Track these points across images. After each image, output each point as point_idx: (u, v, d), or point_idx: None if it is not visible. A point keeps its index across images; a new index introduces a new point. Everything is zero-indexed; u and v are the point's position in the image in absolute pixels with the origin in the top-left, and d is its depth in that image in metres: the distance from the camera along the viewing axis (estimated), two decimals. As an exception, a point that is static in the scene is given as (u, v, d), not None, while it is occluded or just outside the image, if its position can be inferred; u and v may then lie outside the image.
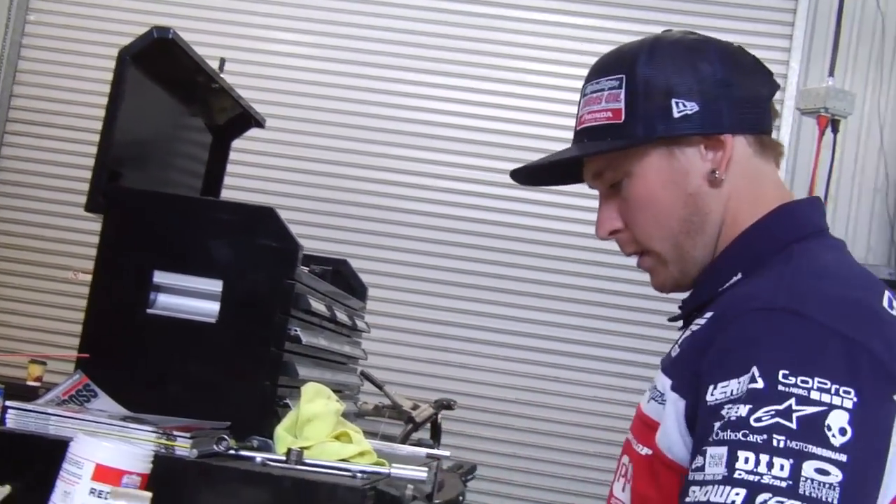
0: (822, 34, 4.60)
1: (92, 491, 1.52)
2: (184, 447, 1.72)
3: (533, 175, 1.50)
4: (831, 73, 4.15)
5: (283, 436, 1.94)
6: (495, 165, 4.65)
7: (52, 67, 5.02)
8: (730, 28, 4.67)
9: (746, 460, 1.05)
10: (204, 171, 2.81)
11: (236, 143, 2.92)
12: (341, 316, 2.46)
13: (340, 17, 4.90)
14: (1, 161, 5.01)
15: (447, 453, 2.64)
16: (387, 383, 3.81)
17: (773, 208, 1.34)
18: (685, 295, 1.40)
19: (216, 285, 2.06)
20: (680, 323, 1.41)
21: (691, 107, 1.30)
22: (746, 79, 1.34)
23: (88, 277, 2.11)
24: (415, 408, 3.80)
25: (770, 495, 1.03)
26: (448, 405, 3.99)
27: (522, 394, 4.72)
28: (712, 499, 1.06)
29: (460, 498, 3.28)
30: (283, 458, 1.81)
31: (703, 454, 1.10)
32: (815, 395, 1.07)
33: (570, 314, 4.72)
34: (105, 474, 1.53)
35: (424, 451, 2.53)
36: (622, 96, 1.33)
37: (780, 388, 1.08)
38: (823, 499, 1.03)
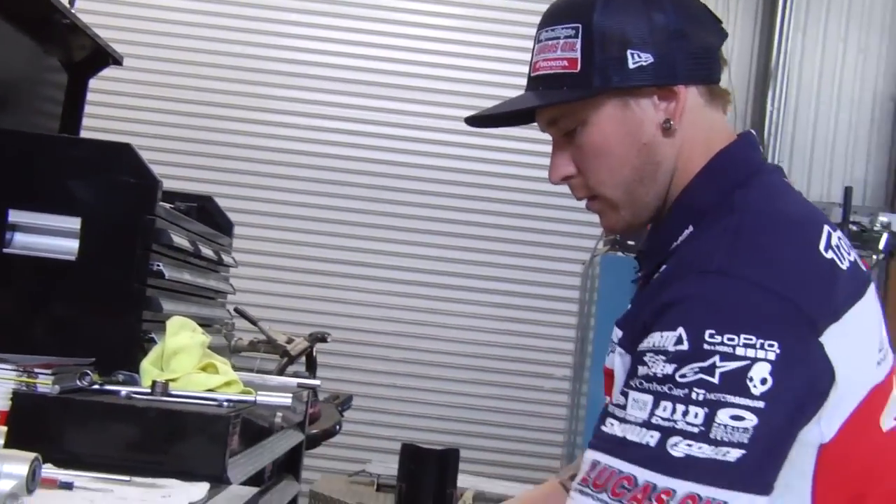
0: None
1: (-51, 429, 1.48)
2: (45, 384, 1.67)
3: (486, 118, 1.46)
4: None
5: (149, 369, 1.90)
6: (363, 103, 4.63)
7: None
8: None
9: (665, 409, 1.11)
10: (60, 111, 2.72)
11: (96, 83, 2.83)
12: (206, 251, 2.42)
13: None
14: None
15: (318, 382, 2.64)
16: (261, 319, 3.79)
17: (716, 154, 1.35)
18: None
19: (74, 223, 2.01)
20: None
21: (646, 58, 1.29)
22: (699, 28, 1.33)
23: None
24: (289, 341, 3.79)
25: (681, 438, 1.09)
26: (322, 338, 3.99)
27: (397, 325, 4.76)
28: (628, 437, 1.13)
29: (337, 427, 3.30)
30: (149, 390, 1.78)
31: (626, 395, 1.16)
32: (739, 351, 1.11)
33: (444, 247, 4.77)
34: (-40, 413, 1.49)
35: (296, 381, 2.52)
36: (578, 46, 1.31)
37: (706, 346, 1.12)
38: (734, 440, 1.09)
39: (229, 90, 4.70)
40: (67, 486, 1.44)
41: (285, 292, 4.69)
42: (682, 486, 1.08)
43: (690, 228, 1.32)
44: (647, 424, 1.12)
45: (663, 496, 1.08)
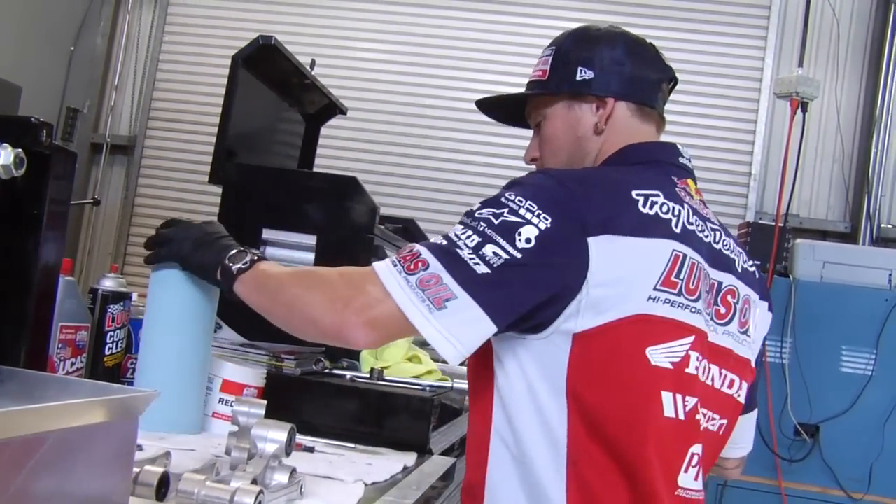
0: (791, 34, 4.57)
1: (220, 400, 1.51)
2: (289, 367, 1.70)
3: (496, 112, 1.59)
4: (800, 64, 4.07)
5: (367, 358, 1.91)
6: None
7: (180, 76, 5.04)
8: (714, 31, 4.57)
9: (457, 230, 1.20)
10: (299, 151, 2.78)
11: (324, 129, 2.88)
12: (410, 263, 2.42)
13: (407, 28, 4.84)
14: (145, 150, 5.06)
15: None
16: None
17: (627, 144, 1.39)
18: None
19: (311, 239, 2.04)
20: None
21: (590, 75, 1.40)
22: (639, 63, 1.41)
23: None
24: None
25: (453, 246, 1.16)
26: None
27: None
28: (432, 240, 1.21)
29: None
30: (368, 375, 1.78)
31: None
32: (522, 212, 1.17)
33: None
34: (230, 387, 1.51)
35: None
36: (549, 62, 1.44)
37: (503, 199, 1.20)
38: (488, 261, 1.14)
39: (427, 134, 4.73)
40: (310, 449, 1.44)
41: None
42: (435, 266, 1.14)
43: None
44: (445, 237, 1.19)
45: (420, 265, 1.15)
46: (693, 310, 1.25)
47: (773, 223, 3.70)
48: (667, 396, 1.22)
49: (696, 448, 1.28)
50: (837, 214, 4.54)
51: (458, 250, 1.15)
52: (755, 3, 4.61)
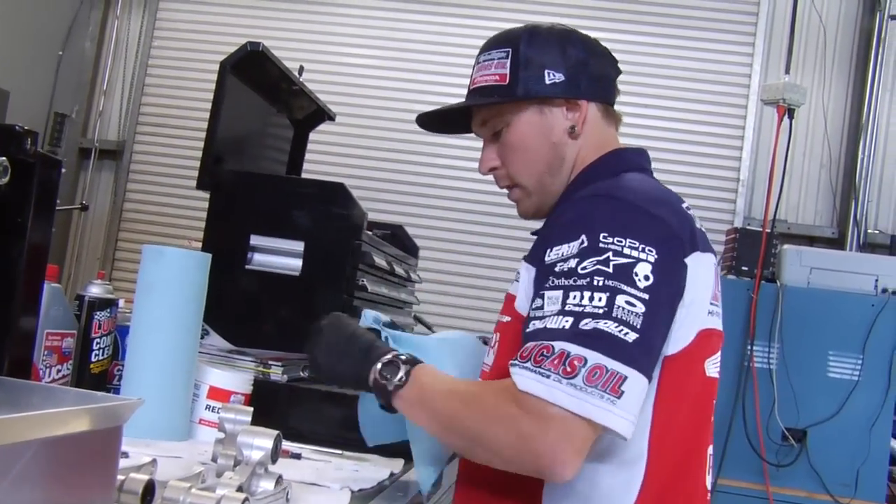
0: (778, 41, 4.59)
1: (207, 407, 1.51)
2: (277, 373, 1.69)
3: (433, 122, 1.51)
4: (787, 71, 4.09)
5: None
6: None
7: (169, 81, 5.04)
8: (702, 37, 4.60)
9: (574, 297, 1.10)
10: (287, 157, 2.78)
11: (312, 135, 2.88)
12: (399, 269, 2.42)
13: (395, 34, 4.85)
14: (133, 155, 5.05)
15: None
16: (435, 325, 3.77)
17: (609, 150, 1.37)
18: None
19: (299, 245, 2.04)
20: None
21: (559, 77, 1.33)
22: (599, 60, 1.37)
23: (200, 244, 2.09)
24: (457, 342, 3.76)
25: (590, 319, 1.08)
26: (486, 341, 3.95)
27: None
28: (548, 325, 1.10)
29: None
30: (355, 381, 1.77)
31: (542, 297, 1.14)
32: (627, 251, 1.12)
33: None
34: (217, 394, 1.51)
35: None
36: (507, 65, 1.35)
37: (601, 245, 1.12)
38: (630, 322, 1.08)
39: (415, 140, 4.72)
40: (296, 456, 1.44)
41: (454, 303, 4.68)
42: (593, 357, 1.06)
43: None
44: (561, 313, 1.10)
45: (575, 362, 1.06)
46: (720, 315, 1.29)
47: (761, 229, 3.71)
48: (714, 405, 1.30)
49: (710, 449, 1.33)
50: (825, 220, 4.57)
51: (597, 323, 1.07)
52: (743, 9, 4.64)
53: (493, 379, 1.24)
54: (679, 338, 1.18)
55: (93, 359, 1.57)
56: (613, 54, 1.41)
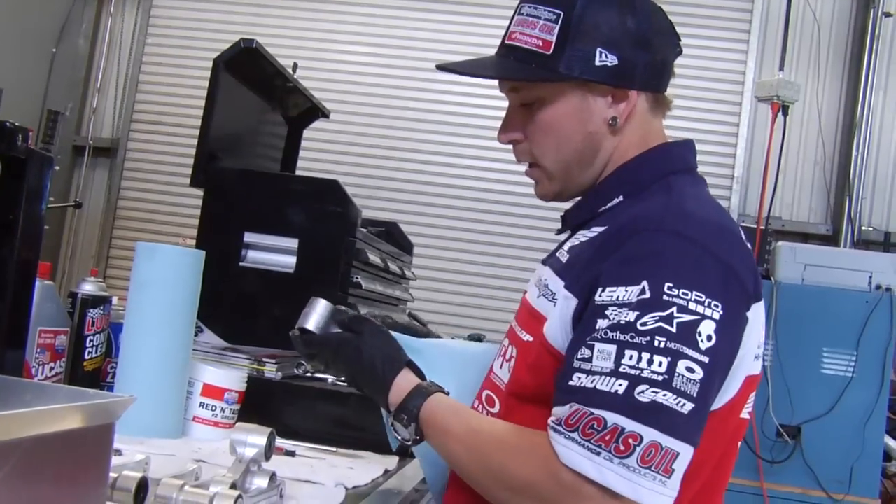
0: (773, 38, 4.60)
1: (201, 404, 1.50)
2: (271, 371, 1.69)
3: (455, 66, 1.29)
4: (781, 68, 4.10)
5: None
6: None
7: (163, 78, 5.03)
8: (697, 34, 4.59)
9: (631, 357, 0.98)
10: (281, 154, 2.77)
11: (306, 132, 2.88)
12: (393, 267, 2.42)
13: (389, 31, 4.84)
14: (127, 152, 5.04)
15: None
16: (430, 322, 3.77)
17: (654, 146, 1.23)
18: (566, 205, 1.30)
19: (293, 243, 2.04)
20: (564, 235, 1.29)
21: (611, 59, 1.16)
22: (662, 41, 1.21)
23: (194, 242, 2.08)
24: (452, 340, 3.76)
25: (647, 387, 0.97)
26: (479, 338, 3.95)
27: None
28: (598, 386, 0.98)
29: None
30: (349, 378, 1.77)
31: (591, 348, 1.01)
32: (692, 306, 1.00)
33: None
34: (211, 391, 1.51)
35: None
36: (555, 31, 1.16)
37: (665, 297, 1.00)
38: (688, 392, 0.97)
39: (409, 137, 4.73)
40: (290, 453, 1.44)
41: (448, 300, 4.68)
42: (648, 434, 0.95)
43: (621, 198, 1.19)
44: (614, 374, 0.98)
45: (630, 440, 0.96)
46: (762, 355, 1.19)
47: (756, 226, 3.72)
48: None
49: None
50: (819, 217, 4.58)
51: (655, 395, 0.96)
52: (737, 6, 4.64)
53: (509, 396, 1.17)
54: (725, 390, 1.08)
55: (86, 356, 1.57)
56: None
